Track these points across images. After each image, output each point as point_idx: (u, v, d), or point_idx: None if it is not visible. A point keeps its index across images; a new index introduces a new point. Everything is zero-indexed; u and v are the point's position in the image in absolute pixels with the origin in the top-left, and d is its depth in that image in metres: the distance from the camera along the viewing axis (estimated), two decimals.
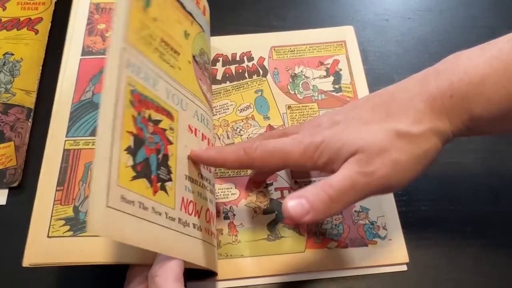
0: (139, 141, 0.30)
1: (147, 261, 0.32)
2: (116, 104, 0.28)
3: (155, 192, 0.31)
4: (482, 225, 0.43)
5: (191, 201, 0.35)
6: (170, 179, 0.33)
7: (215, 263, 0.36)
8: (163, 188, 0.32)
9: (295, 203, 0.31)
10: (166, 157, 0.33)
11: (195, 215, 0.35)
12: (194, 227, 0.34)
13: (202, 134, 0.39)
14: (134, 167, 0.29)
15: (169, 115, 0.34)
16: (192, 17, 0.42)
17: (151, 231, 0.29)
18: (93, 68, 0.40)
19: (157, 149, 0.32)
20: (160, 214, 0.31)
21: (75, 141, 0.37)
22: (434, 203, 0.44)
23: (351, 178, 0.31)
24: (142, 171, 0.30)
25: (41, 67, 0.50)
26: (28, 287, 0.40)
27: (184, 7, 0.41)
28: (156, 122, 0.33)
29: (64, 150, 0.37)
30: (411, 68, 0.52)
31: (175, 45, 0.38)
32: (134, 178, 0.29)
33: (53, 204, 0.35)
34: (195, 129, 0.38)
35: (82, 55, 0.41)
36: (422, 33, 0.54)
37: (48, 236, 0.33)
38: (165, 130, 0.33)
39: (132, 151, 0.29)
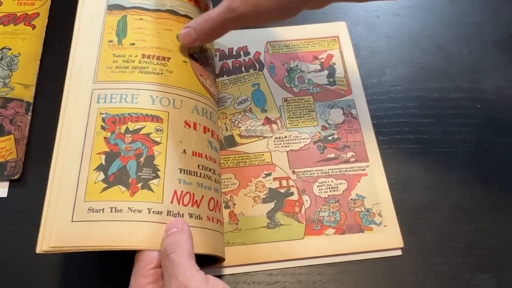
0: (112, 155, 0.35)
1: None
2: (84, 137, 0.36)
3: (133, 193, 0.34)
4: (472, 211, 0.45)
5: (187, 192, 0.36)
6: (156, 176, 0.36)
7: (220, 249, 0.37)
8: (145, 187, 0.35)
9: (185, 32, 0.41)
10: (151, 157, 0.36)
11: (192, 205, 0.36)
12: (191, 217, 0.36)
13: (204, 127, 0.40)
14: (105, 180, 0.34)
15: (155, 118, 0.38)
16: (189, 18, 0.44)
17: (124, 228, 0.33)
18: None
19: (138, 154, 0.36)
20: (140, 211, 0.34)
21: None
22: (426, 190, 0.46)
23: (223, 13, 0.39)
24: (115, 180, 0.35)
25: (39, 62, 0.50)
26: (31, 276, 0.40)
27: (176, 13, 0.43)
28: (136, 130, 0.37)
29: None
30: (402, 62, 0.54)
31: (163, 53, 0.41)
32: (105, 189, 0.34)
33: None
34: (194, 123, 0.39)
35: None
36: (411, 29, 0.56)
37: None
38: (149, 134, 0.37)
39: (103, 167, 0.35)
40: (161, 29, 0.42)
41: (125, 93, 0.38)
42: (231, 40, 0.53)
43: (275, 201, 0.44)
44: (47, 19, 0.53)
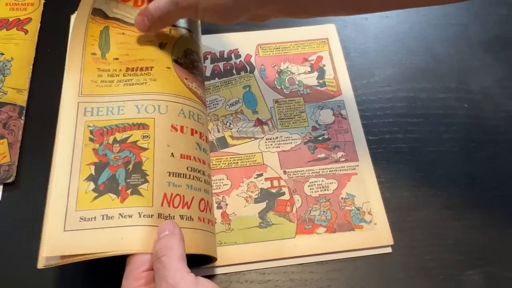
0: (101, 166, 0.37)
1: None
2: (73, 149, 0.37)
3: (123, 199, 0.35)
4: (461, 208, 0.46)
5: (177, 194, 0.37)
6: (145, 181, 0.37)
7: (212, 248, 0.38)
8: (135, 192, 0.36)
9: (139, 20, 0.43)
10: (139, 163, 0.37)
11: (183, 207, 0.37)
12: (182, 218, 0.36)
13: (192, 129, 0.41)
14: (95, 189, 0.35)
15: (141, 126, 0.39)
16: (173, 25, 0.45)
17: (116, 234, 0.34)
18: None
19: (126, 162, 0.37)
20: (130, 216, 0.35)
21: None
22: (415, 188, 0.47)
23: (167, 4, 0.40)
24: (105, 189, 0.36)
25: (31, 66, 0.51)
26: (25, 278, 0.41)
27: None
28: (123, 140, 0.38)
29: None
30: (390, 63, 0.55)
31: (146, 63, 0.42)
32: (96, 198, 0.35)
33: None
34: (181, 127, 0.40)
35: None
36: (399, 31, 0.57)
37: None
38: (136, 141, 0.38)
39: (93, 177, 0.36)
40: (143, 42, 0.43)
41: (111, 105, 0.39)
42: (222, 43, 0.53)
43: (266, 201, 0.45)
44: (39, 24, 0.54)
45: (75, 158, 0.36)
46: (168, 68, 0.43)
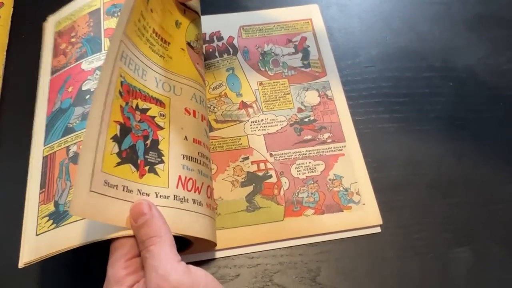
0: (125, 130, 0.33)
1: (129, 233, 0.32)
2: (106, 95, 0.31)
3: (142, 175, 0.33)
4: (448, 186, 0.46)
5: (190, 178, 0.36)
6: (161, 161, 0.35)
7: (215, 235, 0.38)
8: (152, 170, 0.34)
9: None
10: (156, 142, 0.36)
11: (195, 191, 0.36)
12: (194, 203, 0.36)
13: (202, 115, 0.40)
14: (119, 154, 0.32)
15: (158, 102, 0.37)
16: (185, 5, 0.43)
17: None
18: (60, 81, 0.42)
19: (145, 136, 0.35)
20: (148, 194, 0.33)
21: (51, 147, 0.38)
22: (402, 168, 0.46)
23: None
24: (127, 157, 0.32)
25: (5, 52, 0.49)
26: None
27: None
28: (144, 110, 0.35)
29: (43, 158, 0.38)
30: (375, 43, 0.54)
31: (166, 36, 0.40)
32: (119, 164, 0.32)
33: (38, 206, 0.36)
34: (194, 111, 0.40)
35: (51, 75, 0.43)
36: (383, 10, 0.57)
37: (36, 235, 0.35)
38: (154, 117, 0.36)
39: (118, 139, 0.32)
40: (166, 8, 0.41)
41: (139, 63, 0.36)
42: (203, 25, 0.52)
43: (253, 184, 0.44)
44: (12, 9, 0.51)
45: (106, 109, 0.31)
46: (182, 49, 0.42)
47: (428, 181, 0.46)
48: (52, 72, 0.43)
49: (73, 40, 0.43)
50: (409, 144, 0.48)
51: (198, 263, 0.40)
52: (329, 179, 0.44)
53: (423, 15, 0.57)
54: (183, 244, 0.36)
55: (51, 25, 0.46)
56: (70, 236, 0.33)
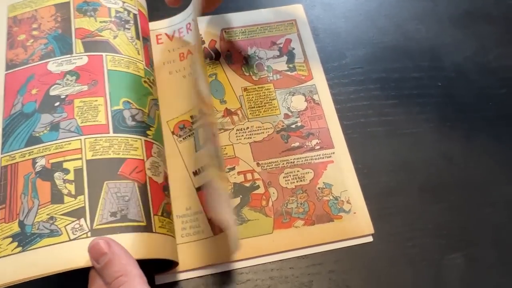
0: None
1: None
2: None
3: None
4: (439, 190, 0.45)
5: None
6: None
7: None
8: None
9: None
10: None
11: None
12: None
13: None
14: None
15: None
16: None
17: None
18: (19, 79, 0.39)
19: None
20: None
21: (11, 156, 0.36)
22: (393, 173, 0.45)
23: None
24: None
25: None
26: None
27: None
28: None
29: (1, 167, 0.35)
30: (361, 43, 0.52)
31: None
32: None
33: None
34: None
35: (6, 69, 0.40)
36: (369, 9, 0.55)
37: None
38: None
39: None
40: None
41: None
42: None
43: (240, 196, 0.42)
44: None
45: None
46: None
47: (420, 185, 0.45)
48: (8, 67, 0.40)
49: (35, 33, 0.41)
50: (399, 147, 0.47)
51: (184, 282, 0.38)
52: (319, 188, 0.43)
53: (409, 13, 0.55)
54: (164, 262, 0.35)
55: (2, 6, 0.43)
56: (42, 262, 0.31)
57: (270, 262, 0.40)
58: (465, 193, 0.45)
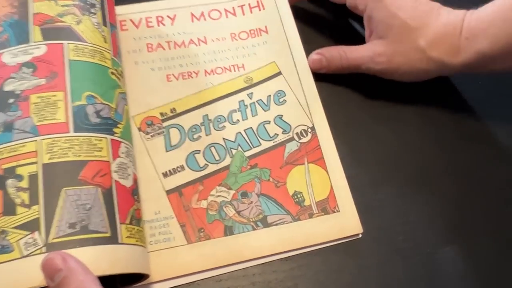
0: None
1: None
2: None
3: None
4: (430, 179, 0.42)
5: None
6: None
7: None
8: None
9: (317, 59, 0.44)
10: None
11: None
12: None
13: None
14: None
15: None
16: None
17: None
18: None
19: None
20: None
21: None
22: (379, 162, 0.42)
23: (363, 60, 0.43)
24: None
25: None
26: None
27: None
28: None
29: None
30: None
31: None
32: None
33: None
34: None
35: None
36: None
37: None
38: None
39: None
40: None
41: None
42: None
43: None
44: None
45: None
46: None
47: (409, 175, 0.42)
48: None
49: None
50: (385, 137, 0.44)
51: None
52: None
53: None
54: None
55: None
56: None
57: (251, 267, 0.37)
58: (457, 182, 0.42)
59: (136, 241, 0.32)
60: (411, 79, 0.43)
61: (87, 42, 0.36)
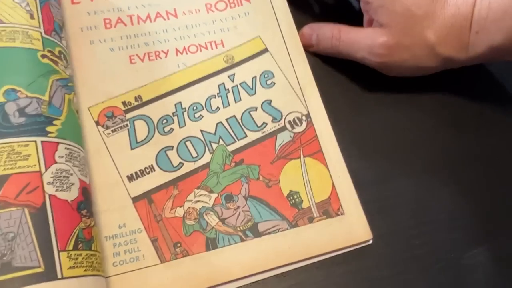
0: None
1: None
2: None
3: None
4: (449, 169, 0.35)
5: None
6: None
7: None
8: None
9: (307, 34, 0.38)
10: None
11: None
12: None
13: None
14: None
15: None
16: None
17: None
18: None
19: None
20: None
21: None
22: (388, 153, 0.36)
23: (361, 49, 0.36)
24: None
25: None
26: None
27: None
28: None
29: None
30: None
31: None
32: None
33: None
34: None
35: None
36: None
37: None
38: None
39: None
40: None
41: None
42: None
43: None
44: None
45: None
46: None
47: (422, 165, 0.35)
48: None
49: None
50: (394, 121, 0.37)
51: None
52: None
53: None
54: None
55: None
56: None
57: (241, 286, 0.30)
58: (481, 170, 0.36)
59: (85, 270, 0.25)
60: (411, 75, 0.37)
61: (4, 23, 0.28)
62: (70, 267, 0.24)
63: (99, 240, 0.28)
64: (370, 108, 0.37)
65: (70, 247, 0.24)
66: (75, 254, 0.24)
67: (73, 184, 0.26)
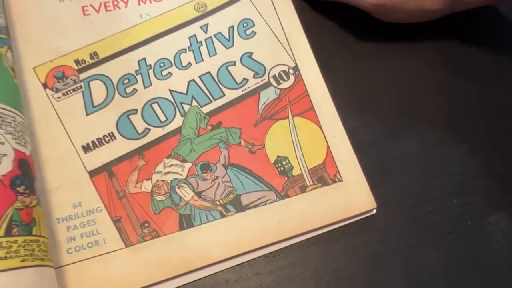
0: None
1: None
2: None
3: None
4: (461, 125, 0.31)
5: None
6: None
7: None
8: None
9: None
10: None
11: None
12: None
13: None
14: None
15: None
16: None
17: None
18: None
19: None
20: None
21: None
22: (391, 108, 0.31)
23: None
24: None
25: None
26: None
27: None
28: None
29: None
30: None
31: None
32: None
33: None
34: None
35: None
36: None
37: None
38: None
39: None
40: None
41: None
42: None
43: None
44: None
45: None
46: None
47: (430, 122, 0.31)
48: None
49: None
50: (396, 73, 0.32)
51: None
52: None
53: None
54: None
55: None
56: None
57: (222, 271, 0.25)
58: (498, 122, 0.31)
59: (22, 261, 0.20)
60: (411, 20, 0.32)
61: None
62: (0, 259, 0.19)
63: (44, 222, 0.22)
64: (367, 59, 0.32)
65: (1, 233, 0.19)
66: (7, 241, 0.19)
67: (4, 155, 0.21)
